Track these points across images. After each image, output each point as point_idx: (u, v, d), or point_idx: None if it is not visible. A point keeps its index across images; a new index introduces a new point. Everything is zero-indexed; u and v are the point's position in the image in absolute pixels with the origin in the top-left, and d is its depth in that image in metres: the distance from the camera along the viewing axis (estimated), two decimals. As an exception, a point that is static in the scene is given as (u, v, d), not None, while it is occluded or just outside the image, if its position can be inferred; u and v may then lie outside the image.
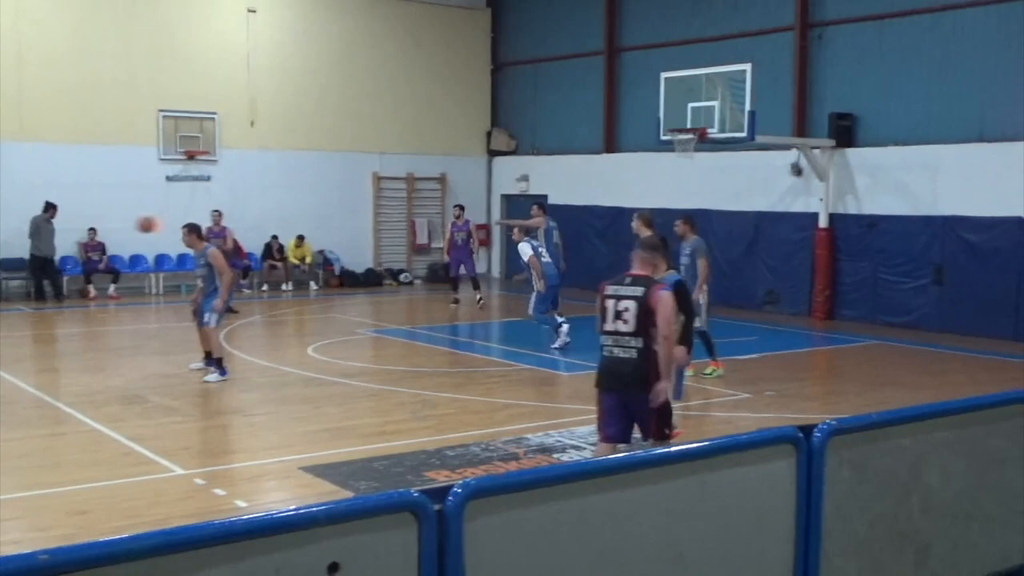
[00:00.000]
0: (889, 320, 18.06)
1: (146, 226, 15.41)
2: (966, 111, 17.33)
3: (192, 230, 12.84)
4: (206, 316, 12.58)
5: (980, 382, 12.89)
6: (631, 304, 6.97)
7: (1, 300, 20.43)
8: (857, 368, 14.47)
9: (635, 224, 12.11)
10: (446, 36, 25.98)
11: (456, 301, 20.61)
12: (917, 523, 4.03)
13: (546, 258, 15.43)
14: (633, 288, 7.04)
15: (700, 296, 12.39)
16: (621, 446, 7.13)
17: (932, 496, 4.08)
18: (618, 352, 7.04)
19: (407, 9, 25.37)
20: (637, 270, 7.31)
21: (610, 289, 7.14)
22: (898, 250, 18.02)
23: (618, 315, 7.01)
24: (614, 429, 7.20)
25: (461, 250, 20.99)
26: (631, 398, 7.08)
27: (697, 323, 10.93)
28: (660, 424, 7.44)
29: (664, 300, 7.00)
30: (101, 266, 21.23)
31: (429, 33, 25.69)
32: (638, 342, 6.96)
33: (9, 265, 20.74)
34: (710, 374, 12.91)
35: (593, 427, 10.11)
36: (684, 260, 12.65)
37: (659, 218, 21.81)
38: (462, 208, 21.68)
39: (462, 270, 21.00)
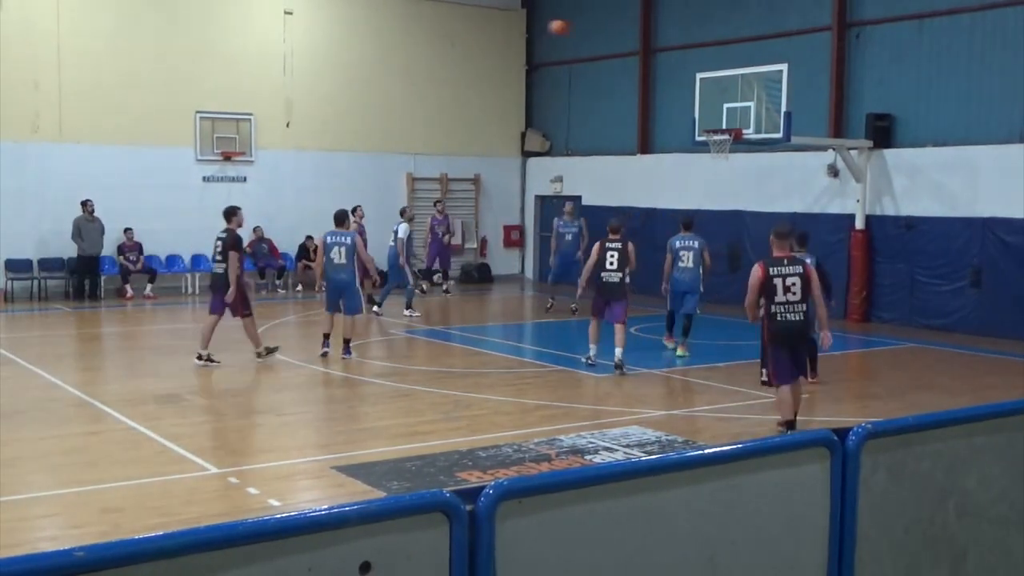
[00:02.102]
0: (926, 323, 17.88)
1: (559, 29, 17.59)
2: (1005, 112, 17.13)
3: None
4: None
5: (1018, 386, 12.74)
6: (796, 279, 9.17)
7: (41, 299, 20.68)
8: (893, 371, 14.34)
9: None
10: (481, 37, 26.01)
11: (423, 291, 20.49)
12: (953, 529, 3.99)
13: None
14: (793, 266, 9.23)
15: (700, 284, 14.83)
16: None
17: (969, 501, 4.03)
18: (792, 316, 9.24)
19: (442, 10, 25.44)
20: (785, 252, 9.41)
21: (772, 270, 9.21)
22: (935, 252, 17.83)
23: (787, 288, 9.16)
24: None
25: (438, 244, 21.71)
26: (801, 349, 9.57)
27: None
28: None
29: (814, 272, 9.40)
30: (137, 266, 21.43)
31: (464, 34, 25.74)
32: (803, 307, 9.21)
33: (49, 265, 21.00)
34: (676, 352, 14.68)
35: (624, 429, 10.11)
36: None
37: (693, 219, 21.83)
38: (443, 203, 22.51)
39: (436, 264, 21.94)
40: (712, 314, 18.53)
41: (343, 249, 13.87)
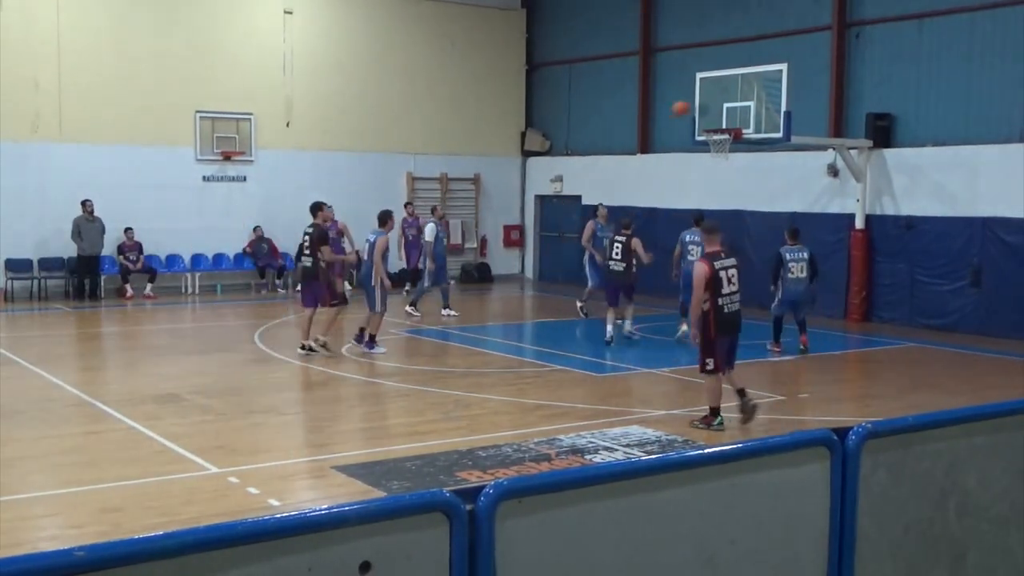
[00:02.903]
0: (926, 322, 17.88)
1: (681, 109, 17.67)
2: (1005, 111, 17.12)
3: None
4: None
5: (1018, 385, 12.74)
6: (735, 271, 9.91)
7: (41, 299, 20.69)
8: (893, 371, 14.34)
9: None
10: (481, 37, 26.01)
11: (408, 292, 20.61)
12: (953, 528, 3.99)
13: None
14: (729, 259, 9.94)
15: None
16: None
17: (969, 501, 4.03)
18: (734, 306, 9.93)
19: (442, 10, 25.44)
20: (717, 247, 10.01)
21: (717, 264, 9.75)
22: (935, 251, 17.83)
23: (729, 280, 9.79)
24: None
25: (411, 246, 21.24)
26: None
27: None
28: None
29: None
30: (137, 266, 21.43)
31: (464, 34, 25.74)
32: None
33: (49, 265, 21.00)
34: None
35: (624, 429, 10.11)
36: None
37: (693, 219, 21.79)
38: (413, 205, 22.15)
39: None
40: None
41: (365, 247, 14.85)
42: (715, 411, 10.11)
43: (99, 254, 20.90)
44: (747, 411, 10.18)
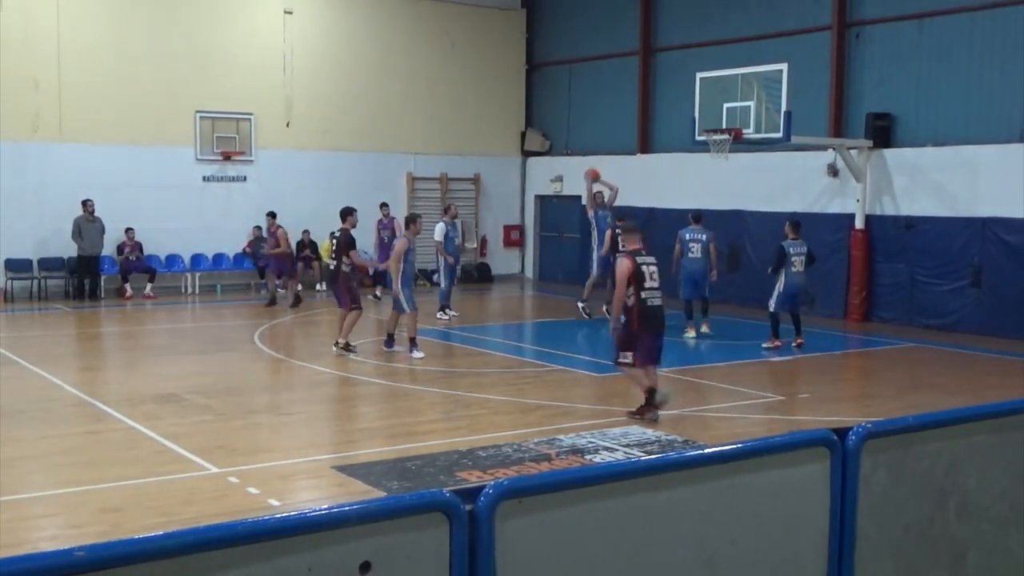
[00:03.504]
0: (926, 322, 17.88)
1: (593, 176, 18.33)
2: (1005, 111, 17.12)
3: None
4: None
5: (1018, 385, 12.74)
6: (655, 268, 10.16)
7: (41, 299, 20.69)
8: (893, 371, 14.34)
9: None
10: (481, 37, 26.01)
11: (378, 297, 20.38)
12: (953, 528, 3.99)
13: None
14: (650, 256, 10.23)
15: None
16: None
17: (969, 501, 4.03)
18: (656, 301, 10.12)
19: (442, 10, 25.43)
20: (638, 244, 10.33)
21: (639, 260, 10.05)
22: (935, 252, 17.82)
23: (651, 276, 10.07)
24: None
25: (386, 248, 19.83)
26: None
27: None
28: None
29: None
30: (137, 265, 21.43)
31: (464, 34, 25.74)
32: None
33: (49, 265, 21.00)
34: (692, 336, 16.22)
35: (624, 429, 10.11)
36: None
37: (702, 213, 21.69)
38: (387, 205, 21.70)
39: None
40: (712, 314, 18.51)
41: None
42: (651, 391, 10.22)
43: (99, 254, 20.90)
44: (646, 410, 10.18)
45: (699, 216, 16.92)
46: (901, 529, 3.80)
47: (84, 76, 21.08)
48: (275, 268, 20.61)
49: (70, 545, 2.25)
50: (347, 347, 14.21)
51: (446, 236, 18.47)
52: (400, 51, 24.88)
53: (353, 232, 14.59)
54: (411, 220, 14.65)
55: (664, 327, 10.44)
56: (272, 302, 19.92)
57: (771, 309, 15.22)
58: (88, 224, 20.52)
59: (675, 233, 17.15)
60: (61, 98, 20.92)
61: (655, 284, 10.09)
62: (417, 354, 14.01)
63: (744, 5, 21.42)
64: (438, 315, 18.27)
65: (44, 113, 20.81)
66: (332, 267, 14.65)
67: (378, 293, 20.74)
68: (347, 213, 14.67)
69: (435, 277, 19.01)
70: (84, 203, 20.48)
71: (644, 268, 10.01)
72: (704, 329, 16.37)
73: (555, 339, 16.72)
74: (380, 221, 21.24)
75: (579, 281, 19.67)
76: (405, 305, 14.06)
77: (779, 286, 15.08)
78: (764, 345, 15.12)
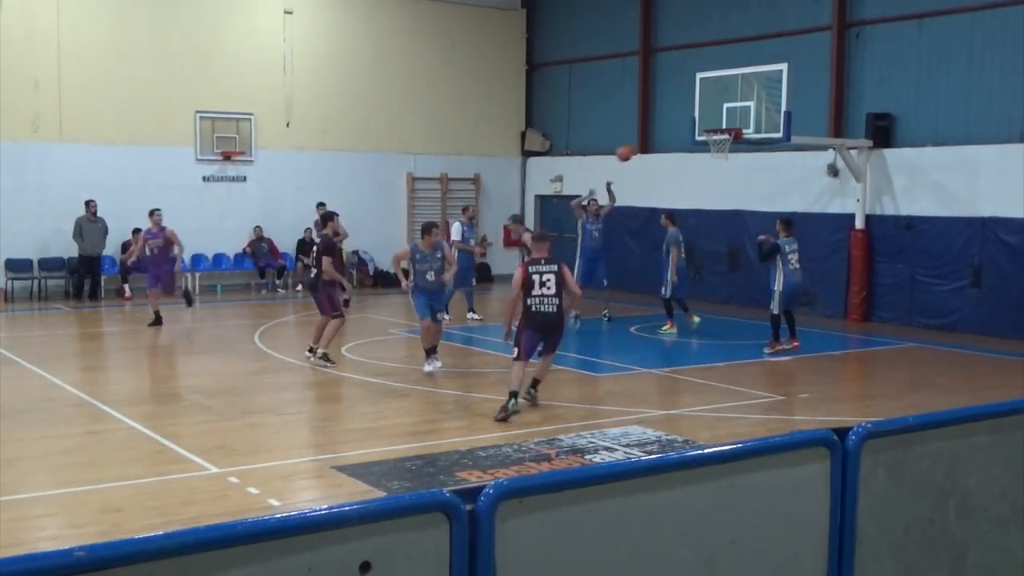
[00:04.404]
0: (926, 322, 17.88)
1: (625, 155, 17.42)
2: (1005, 111, 17.12)
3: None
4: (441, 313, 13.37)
5: (1018, 385, 12.74)
6: (551, 276, 10.78)
7: (41, 299, 20.68)
8: (893, 371, 14.34)
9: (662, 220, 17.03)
10: (481, 37, 26.02)
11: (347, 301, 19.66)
12: (953, 528, 3.98)
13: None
14: (550, 265, 10.87)
15: (669, 274, 16.51)
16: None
17: (969, 501, 4.03)
18: (544, 307, 10.84)
19: (442, 10, 25.44)
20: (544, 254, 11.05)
21: (532, 269, 10.86)
22: (935, 252, 17.82)
23: (543, 284, 10.77)
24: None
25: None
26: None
27: (663, 291, 16.68)
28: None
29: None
30: (138, 265, 21.42)
31: (464, 34, 25.74)
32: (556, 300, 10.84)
33: (49, 265, 21.01)
34: (664, 330, 16.68)
35: (624, 429, 10.12)
36: (664, 246, 16.60)
37: (693, 219, 21.81)
38: (324, 205, 20.59)
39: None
40: (712, 313, 18.53)
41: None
42: (514, 394, 10.75)
43: (100, 254, 20.90)
44: (508, 409, 10.62)
45: (672, 216, 17.09)
46: (901, 529, 3.80)
47: (84, 76, 21.08)
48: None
49: (70, 545, 2.25)
50: (325, 357, 13.50)
51: (463, 237, 18.41)
52: (400, 51, 24.88)
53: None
54: (424, 230, 13.25)
55: (549, 330, 11.00)
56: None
57: (774, 311, 14.86)
58: (90, 224, 20.52)
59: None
60: (61, 98, 20.93)
61: (546, 292, 10.80)
62: (427, 367, 12.97)
63: (744, 5, 21.42)
64: (470, 315, 18.27)
65: (44, 113, 20.81)
66: (312, 274, 14.03)
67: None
68: (327, 219, 14.28)
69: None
70: (87, 203, 20.49)
71: (535, 276, 10.82)
72: (695, 319, 16.93)
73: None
74: (317, 222, 19.94)
75: (580, 281, 19.56)
76: (416, 312, 13.27)
77: (778, 286, 14.73)
78: (766, 351, 14.89)
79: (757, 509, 3.41)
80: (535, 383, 11.16)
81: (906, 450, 3.79)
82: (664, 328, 16.78)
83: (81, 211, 20.52)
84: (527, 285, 10.86)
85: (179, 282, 18.49)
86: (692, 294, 18.10)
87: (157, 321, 17.17)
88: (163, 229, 17.46)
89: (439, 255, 12.94)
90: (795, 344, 14.91)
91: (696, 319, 16.91)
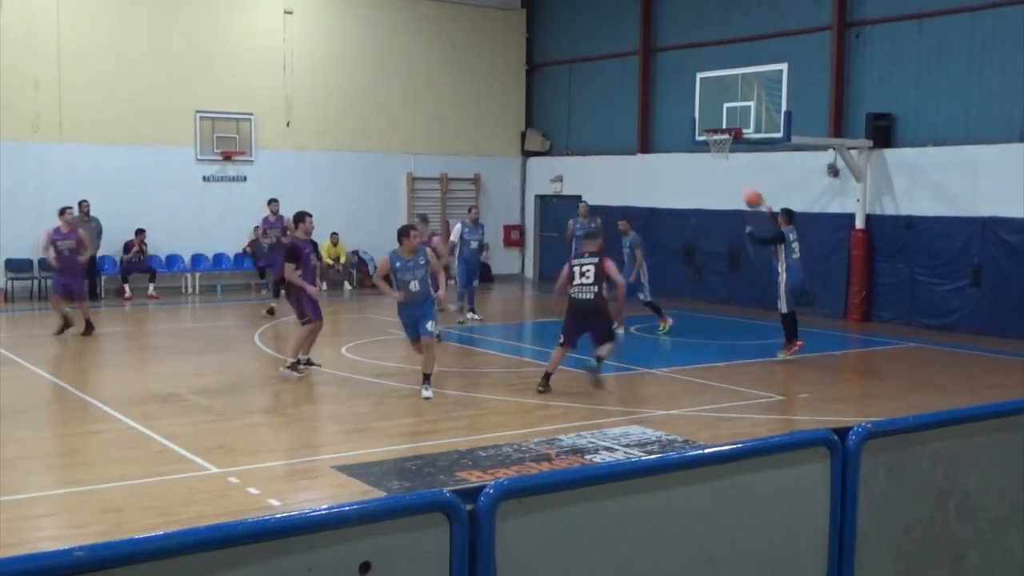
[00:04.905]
0: (926, 322, 17.88)
1: (752, 200, 15.40)
2: (1006, 111, 17.12)
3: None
4: (428, 325, 11.60)
5: (1018, 385, 12.74)
6: (592, 267, 11.71)
7: (41, 299, 20.67)
8: (893, 371, 14.34)
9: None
10: (481, 37, 26.02)
11: (271, 311, 18.34)
12: (953, 528, 3.98)
13: None
14: (592, 258, 11.82)
15: (642, 276, 16.44)
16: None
17: (969, 501, 4.03)
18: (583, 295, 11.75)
19: (442, 10, 25.43)
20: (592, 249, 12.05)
21: (575, 262, 11.98)
22: (936, 251, 17.82)
23: (583, 274, 11.72)
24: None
25: (275, 249, 18.07)
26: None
27: (641, 296, 16.53)
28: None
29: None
30: (138, 265, 21.43)
31: (464, 34, 25.74)
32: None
33: (48, 265, 20.97)
34: (662, 330, 16.61)
35: (624, 429, 10.12)
36: (625, 251, 16.62)
37: (693, 219, 21.82)
38: (276, 201, 19.82)
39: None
40: (712, 314, 18.54)
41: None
42: (546, 375, 11.98)
43: (95, 255, 20.85)
44: (544, 384, 11.95)
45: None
46: (901, 529, 3.80)
47: (84, 76, 21.09)
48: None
49: (70, 545, 2.25)
50: (294, 367, 12.62)
51: (461, 237, 18.26)
52: (400, 51, 24.88)
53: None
54: (402, 234, 11.68)
55: (587, 317, 11.84)
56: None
57: (783, 311, 14.30)
58: (83, 225, 20.47)
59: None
60: (61, 98, 20.93)
61: (584, 281, 11.73)
62: (425, 392, 11.58)
63: (744, 5, 21.42)
64: (471, 315, 18.17)
65: (44, 113, 20.81)
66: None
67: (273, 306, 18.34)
68: (298, 219, 13.19)
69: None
70: (80, 203, 20.46)
71: (576, 268, 11.87)
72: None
73: (555, 339, 16.68)
74: (265, 219, 19.55)
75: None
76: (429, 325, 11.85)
77: (783, 282, 14.28)
78: (781, 355, 14.33)
79: (757, 509, 3.41)
80: (598, 359, 11.90)
81: (906, 450, 3.79)
82: (661, 328, 16.72)
83: (75, 212, 20.46)
84: (570, 277, 11.86)
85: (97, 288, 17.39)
86: (692, 294, 18.09)
87: (65, 326, 15.76)
88: (76, 229, 16.10)
89: (422, 261, 11.47)
90: (799, 344, 14.64)
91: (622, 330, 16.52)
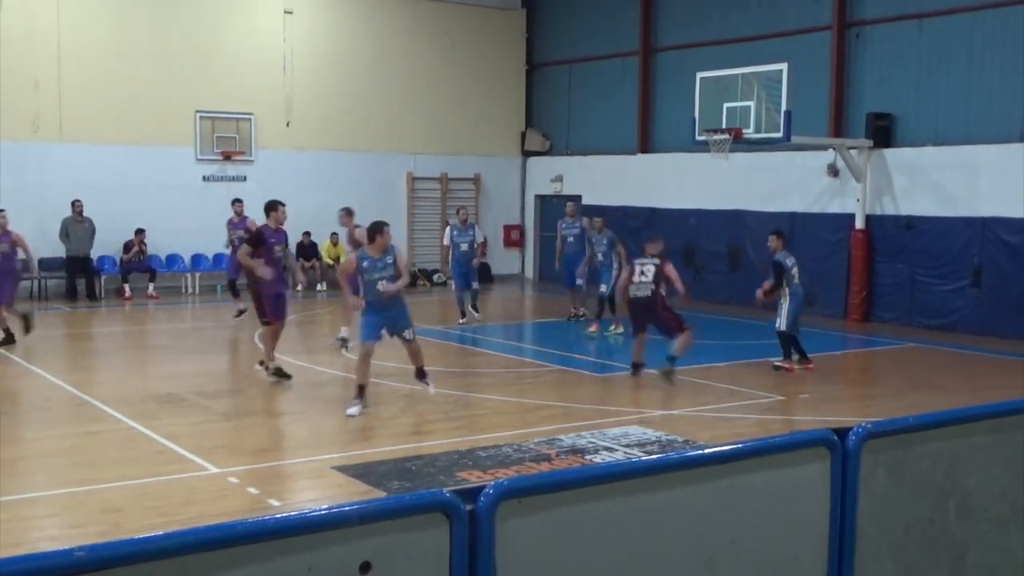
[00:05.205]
0: (926, 322, 17.88)
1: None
2: (1005, 111, 17.12)
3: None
4: (407, 333, 11.19)
5: (1018, 385, 12.74)
6: (652, 267, 12.53)
7: (41, 299, 20.68)
8: (892, 371, 14.34)
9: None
10: (481, 36, 26.01)
11: (240, 312, 17.45)
12: (953, 528, 3.98)
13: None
14: (653, 259, 12.63)
15: (613, 272, 16.40)
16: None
17: (969, 501, 4.03)
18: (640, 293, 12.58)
19: (442, 10, 25.43)
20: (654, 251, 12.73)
21: (636, 262, 12.81)
22: (935, 252, 17.82)
23: (642, 273, 12.53)
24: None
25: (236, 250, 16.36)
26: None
27: (604, 289, 16.69)
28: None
29: None
30: (138, 265, 21.43)
31: (464, 34, 25.74)
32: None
33: (49, 265, 21.00)
34: (612, 330, 16.45)
35: (624, 429, 10.12)
36: (601, 250, 17.04)
37: (693, 219, 21.82)
38: (241, 202, 18.70)
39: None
40: (712, 314, 18.53)
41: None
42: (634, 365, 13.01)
43: (88, 255, 20.86)
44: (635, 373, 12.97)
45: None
46: (901, 529, 3.80)
47: (84, 76, 21.08)
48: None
49: (70, 545, 2.25)
50: (271, 370, 12.21)
51: (451, 240, 18.06)
52: (400, 51, 24.88)
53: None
54: (375, 230, 10.98)
55: (644, 311, 12.62)
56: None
57: (781, 328, 13.50)
58: (76, 225, 20.49)
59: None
60: (61, 98, 20.92)
61: (642, 280, 12.47)
62: (351, 409, 10.67)
63: (744, 5, 21.42)
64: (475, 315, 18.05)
65: (44, 113, 20.81)
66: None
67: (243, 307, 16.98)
68: (269, 208, 12.57)
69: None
70: (73, 203, 20.46)
71: (637, 267, 12.62)
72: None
73: (555, 339, 16.72)
74: (230, 220, 18.41)
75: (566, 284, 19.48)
76: (360, 333, 11.22)
77: (787, 304, 13.46)
78: (778, 363, 13.56)
79: (757, 509, 3.41)
80: (671, 358, 12.35)
81: (906, 450, 3.79)
82: (611, 329, 16.43)
83: (68, 212, 20.47)
84: (631, 275, 12.73)
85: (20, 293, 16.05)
86: (692, 294, 18.07)
87: (8, 340, 14.55)
88: (8, 232, 15.07)
89: (390, 260, 10.87)
90: (809, 366, 13.55)
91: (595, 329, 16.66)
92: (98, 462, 8.91)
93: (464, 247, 18.04)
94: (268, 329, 12.42)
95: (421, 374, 11.43)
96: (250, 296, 12.99)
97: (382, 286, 10.76)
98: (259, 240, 12.18)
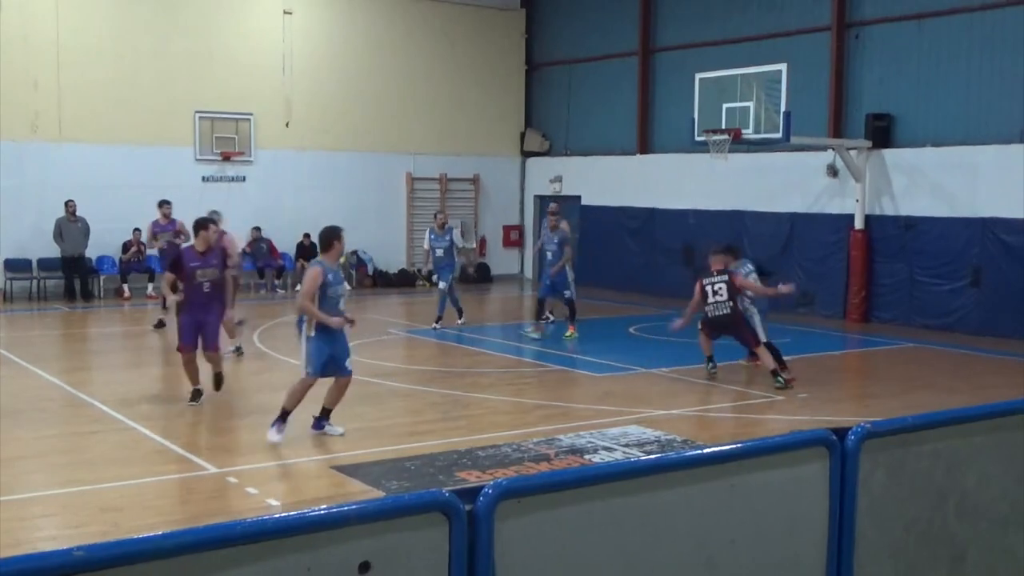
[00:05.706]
0: (925, 322, 17.88)
1: None
2: (1005, 111, 17.12)
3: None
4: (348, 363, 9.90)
5: (1018, 385, 12.73)
6: (723, 285, 12.54)
7: (40, 299, 20.68)
8: (892, 371, 14.34)
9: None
10: (480, 37, 26.01)
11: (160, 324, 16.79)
12: (953, 528, 3.98)
13: None
14: (721, 276, 12.61)
15: (569, 274, 16.25)
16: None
17: (968, 501, 4.03)
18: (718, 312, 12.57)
19: (442, 10, 25.43)
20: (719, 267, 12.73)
21: (706, 281, 12.68)
22: (935, 252, 17.82)
23: (715, 293, 12.51)
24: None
25: (166, 255, 15.67)
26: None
27: (567, 293, 16.29)
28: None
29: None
30: (137, 265, 21.43)
31: (463, 34, 25.74)
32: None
33: (48, 265, 21.00)
34: (568, 336, 16.15)
35: (624, 428, 10.12)
36: (552, 246, 16.34)
37: (693, 219, 21.82)
38: (169, 203, 17.18)
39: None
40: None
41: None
42: (709, 359, 13.09)
43: (82, 255, 20.83)
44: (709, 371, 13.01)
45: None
46: (901, 529, 3.80)
47: (83, 76, 21.08)
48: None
49: (69, 545, 2.25)
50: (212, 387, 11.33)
51: (429, 246, 17.38)
52: (399, 51, 24.87)
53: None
54: (332, 237, 9.54)
55: (726, 328, 12.69)
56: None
57: (765, 339, 12.92)
58: (70, 225, 20.46)
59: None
60: (60, 98, 20.92)
61: (718, 299, 12.51)
62: (334, 429, 9.87)
63: (744, 5, 21.42)
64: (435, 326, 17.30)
65: (43, 113, 20.80)
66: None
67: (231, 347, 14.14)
68: (198, 227, 11.23)
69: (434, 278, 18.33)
70: (66, 203, 20.43)
71: (708, 288, 12.56)
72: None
73: (554, 339, 16.70)
74: (156, 223, 16.98)
75: (580, 280, 19.47)
76: (307, 363, 9.55)
77: (755, 314, 12.97)
78: (781, 376, 12.73)
79: (757, 509, 3.40)
80: (775, 373, 12.33)
81: (905, 450, 3.78)
82: (568, 334, 16.15)
83: (62, 212, 20.45)
84: (704, 296, 12.55)
85: None
86: (692, 294, 18.02)
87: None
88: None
89: (341, 272, 9.87)
90: (757, 364, 13.24)
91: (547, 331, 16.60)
92: (97, 462, 8.91)
93: (440, 252, 17.30)
94: (182, 357, 11.13)
95: (327, 414, 9.88)
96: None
97: (342, 305, 9.48)
98: (177, 266, 10.98)
